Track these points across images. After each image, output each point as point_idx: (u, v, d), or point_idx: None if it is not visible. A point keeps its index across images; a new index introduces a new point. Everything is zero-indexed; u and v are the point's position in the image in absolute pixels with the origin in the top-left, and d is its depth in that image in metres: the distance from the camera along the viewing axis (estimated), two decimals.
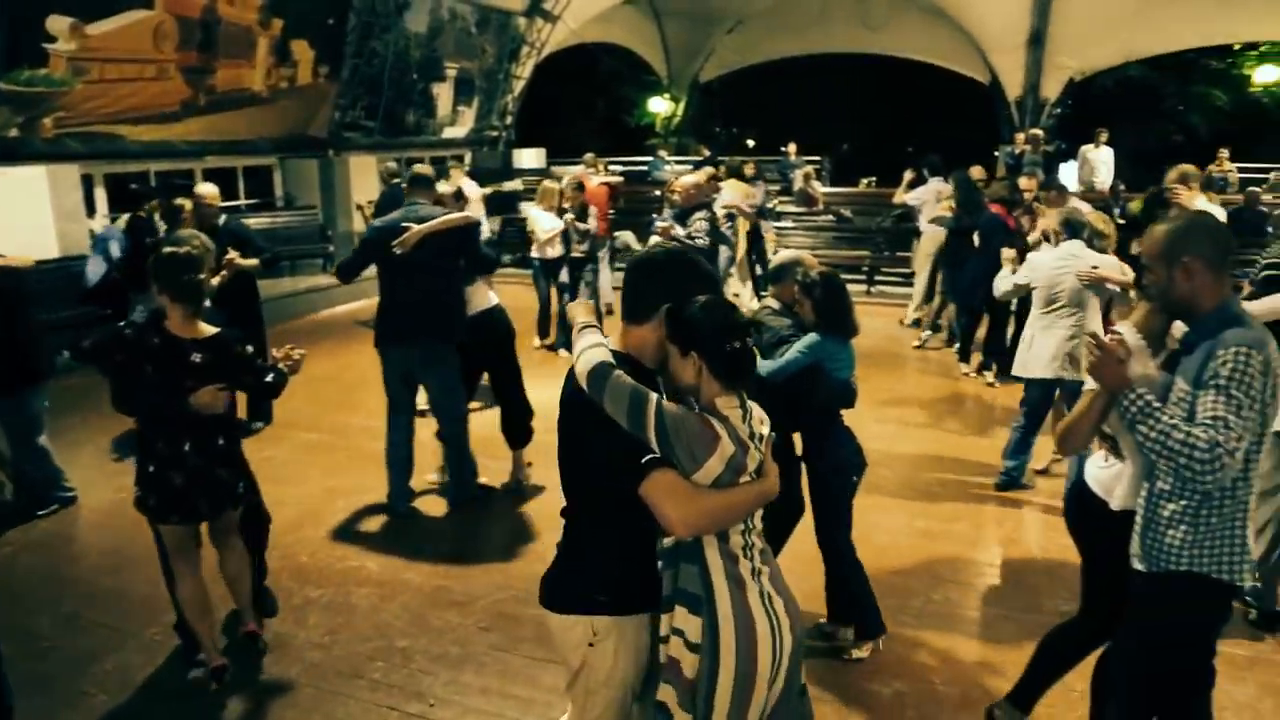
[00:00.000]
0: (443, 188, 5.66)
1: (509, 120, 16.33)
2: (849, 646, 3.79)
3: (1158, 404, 2.32)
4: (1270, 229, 10.38)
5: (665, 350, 2.11)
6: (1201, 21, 17.20)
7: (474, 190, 9.83)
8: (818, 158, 17.54)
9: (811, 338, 3.63)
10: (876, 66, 21.85)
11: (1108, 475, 2.84)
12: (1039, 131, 13.86)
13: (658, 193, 14.11)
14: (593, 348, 2.13)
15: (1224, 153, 14.37)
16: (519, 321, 10.44)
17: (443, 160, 14.71)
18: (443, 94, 14.37)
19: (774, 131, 21.80)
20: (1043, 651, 3.16)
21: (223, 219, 6.24)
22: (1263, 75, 21.70)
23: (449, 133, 15.03)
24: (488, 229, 7.66)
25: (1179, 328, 2.55)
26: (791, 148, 16.06)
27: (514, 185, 15.63)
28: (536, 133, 18.63)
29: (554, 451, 2.28)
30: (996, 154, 16.29)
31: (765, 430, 2.15)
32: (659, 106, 22.59)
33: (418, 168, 5.30)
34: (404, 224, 4.85)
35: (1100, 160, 13.32)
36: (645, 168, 17.27)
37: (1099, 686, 2.96)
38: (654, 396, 2.00)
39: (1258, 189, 11.64)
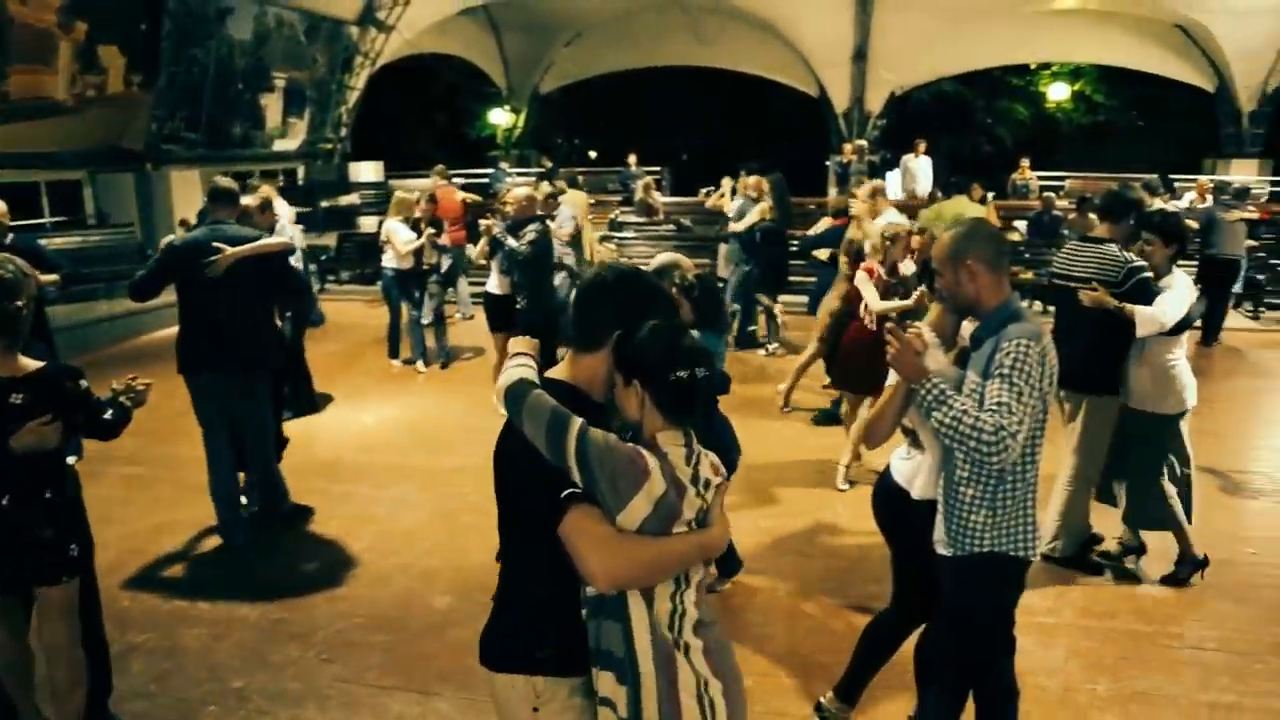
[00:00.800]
0: (247, 200, 5.43)
1: (344, 132, 15.81)
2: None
3: (951, 391, 2.51)
4: (1065, 231, 11.38)
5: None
6: (1000, 43, 18.87)
7: (286, 210, 9.45)
8: (658, 168, 17.91)
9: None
10: (715, 78, 22.51)
11: (908, 467, 3.04)
12: (863, 142, 14.74)
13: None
14: (517, 368, 1.96)
15: (1025, 162, 15.70)
16: (360, 337, 10.20)
17: (275, 174, 14.12)
18: (272, 105, 13.75)
19: (616, 142, 22.10)
20: (863, 643, 3.32)
21: (9, 237, 5.77)
22: (1055, 92, 23.91)
23: (280, 145, 14.40)
24: (299, 248, 7.42)
25: (967, 328, 2.77)
26: (632, 159, 16.33)
27: (351, 199, 15.17)
28: (374, 145, 18.15)
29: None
30: (828, 163, 17.11)
31: (716, 480, 1.93)
32: (499, 118, 22.45)
33: (220, 181, 5.00)
34: (213, 244, 4.59)
35: (919, 169, 14.23)
36: (487, 179, 17.14)
37: (920, 669, 3.16)
38: (578, 420, 1.78)
39: (1053, 195, 12.77)
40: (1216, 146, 19.68)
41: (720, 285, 8.98)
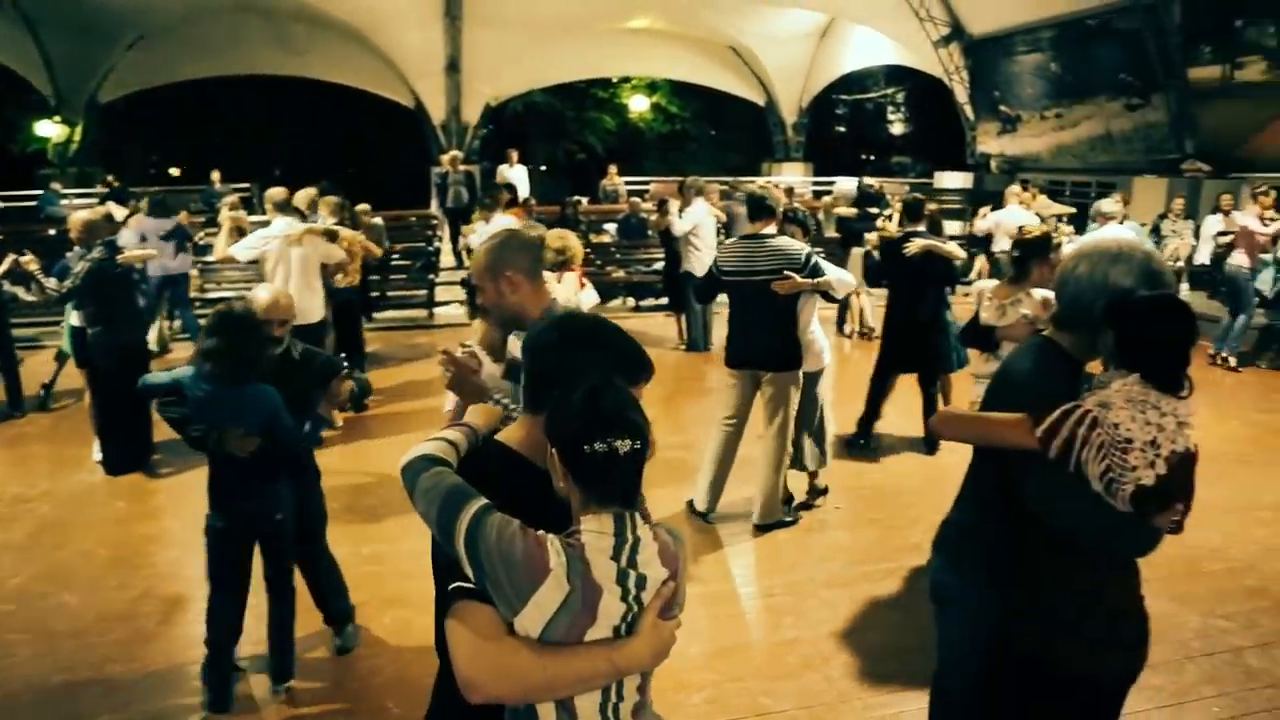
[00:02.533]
0: None
1: None
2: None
3: (514, 407, 2.53)
4: (650, 232, 12.41)
5: None
6: (583, 58, 20.29)
7: None
8: (246, 185, 16.62)
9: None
10: (309, 89, 21.44)
11: None
12: (458, 152, 14.92)
13: (52, 231, 12.15)
14: (433, 440, 1.71)
15: (613, 168, 16.92)
16: None
17: None
18: None
19: (200, 157, 20.17)
20: None
21: None
22: (636, 104, 26.20)
23: None
24: None
25: (514, 342, 2.81)
26: (215, 175, 15.02)
27: None
28: None
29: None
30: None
31: (661, 574, 1.59)
32: (49, 131, 19.40)
33: None
34: None
35: (515, 177, 14.61)
36: (36, 203, 14.74)
37: None
38: (477, 503, 1.52)
39: (639, 198, 13.87)
40: (770, 152, 22.81)
41: None
